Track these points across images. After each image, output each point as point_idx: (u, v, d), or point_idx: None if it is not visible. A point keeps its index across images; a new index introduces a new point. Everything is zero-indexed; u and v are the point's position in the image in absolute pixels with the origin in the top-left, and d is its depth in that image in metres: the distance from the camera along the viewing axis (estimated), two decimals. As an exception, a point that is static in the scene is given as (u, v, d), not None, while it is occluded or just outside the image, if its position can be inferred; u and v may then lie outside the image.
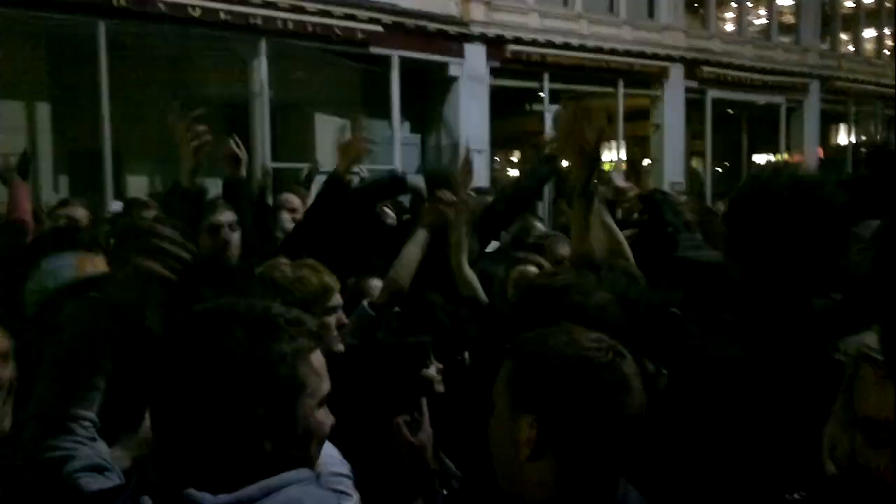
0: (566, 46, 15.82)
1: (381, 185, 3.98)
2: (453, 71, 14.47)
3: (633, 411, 1.32)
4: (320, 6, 12.32)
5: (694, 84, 18.27)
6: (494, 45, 14.87)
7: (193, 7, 11.05)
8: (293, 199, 4.95)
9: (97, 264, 2.22)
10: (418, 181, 3.75)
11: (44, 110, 11.20)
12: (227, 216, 3.32)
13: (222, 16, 11.33)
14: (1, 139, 10.40)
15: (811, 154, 20.94)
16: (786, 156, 20.84)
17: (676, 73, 17.90)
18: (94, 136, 10.73)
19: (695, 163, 20.27)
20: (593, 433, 1.30)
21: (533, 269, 3.23)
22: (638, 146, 18.61)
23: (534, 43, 15.39)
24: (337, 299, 2.42)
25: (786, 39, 20.88)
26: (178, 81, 12.16)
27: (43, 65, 11.20)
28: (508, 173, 22.01)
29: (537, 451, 1.31)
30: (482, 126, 14.78)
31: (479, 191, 5.00)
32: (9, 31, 10.45)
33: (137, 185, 11.96)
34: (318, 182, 5.64)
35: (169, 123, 2.98)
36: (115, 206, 8.53)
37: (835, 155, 22.51)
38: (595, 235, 2.50)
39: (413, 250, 3.06)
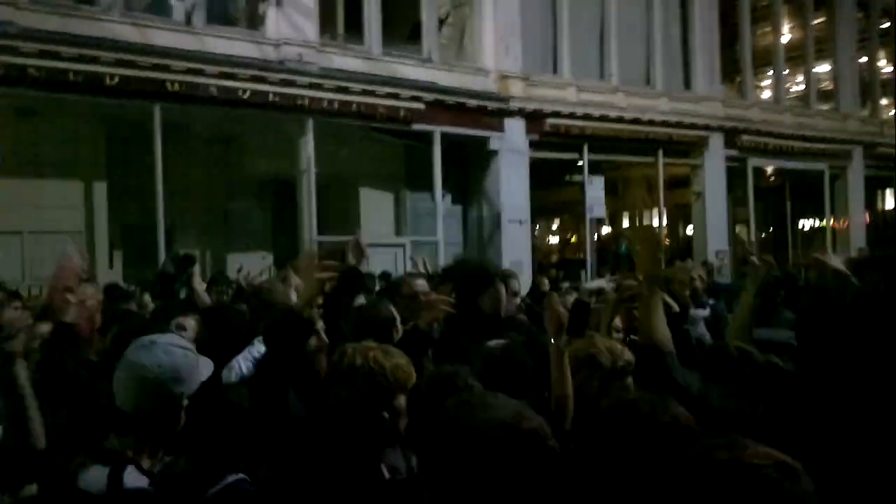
0: (604, 118, 16.06)
1: None
2: (493, 145, 14.77)
3: None
4: (364, 86, 12.77)
5: (734, 152, 18.32)
6: (533, 119, 15.17)
7: (244, 90, 11.56)
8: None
9: None
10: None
11: (100, 188, 11.72)
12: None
13: (271, 97, 11.83)
14: (60, 216, 10.94)
15: (857, 220, 20.70)
16: (832, 222, 20.64)
17: (716, 141, 17.99)
18: (147, 212, 11.16)
19: (739, 230, 20.15)
20: None
21: None
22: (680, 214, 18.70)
23: (572, 116, 15.65)
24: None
25: (825, 107, 20.91)
26: (229, 160, 12.68)
27: (101, 145, 11.77)
28: (548, 241, 22.15)
29: None
30: (522, 197, 14.98)
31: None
32: (70, 114, 11.09)
33: (187, 259, 12.36)
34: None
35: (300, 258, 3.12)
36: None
37: (881, 220, 22.20)
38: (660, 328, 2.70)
39: None
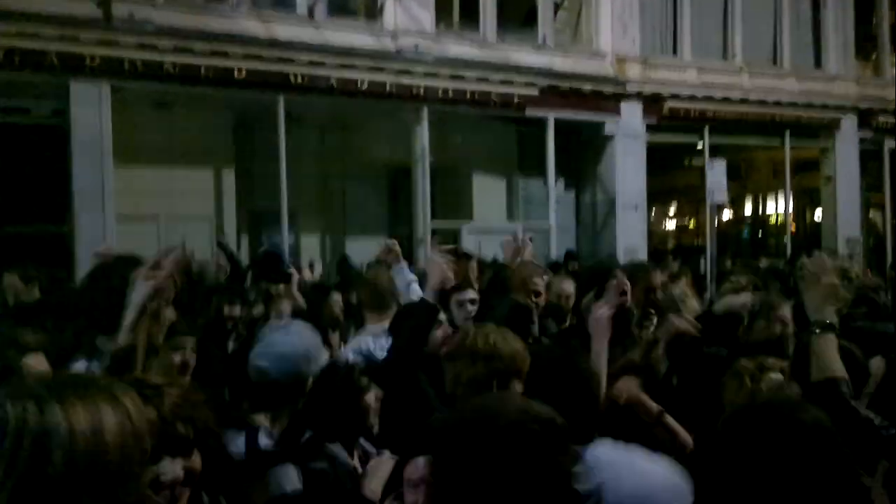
0: (726, 101, 15.52)
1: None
2: (609, 129, 14.58)
3: None
4: (479, 73, 12.87)
5: (869, 134, 17.32)
6: (651, 102, 14.85)
7: (362, 81, 11.91)
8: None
9: None
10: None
11: (229, 175, 12.37)
12: None
13: (388, 87, 12.13)
14: (192, 202, 11.66)
15: None
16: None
17: (849, 123, 17.06)
18: (272, 198, 11.71)
19: (873, 216, 19.07)
20: None
21: None
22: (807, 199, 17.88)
23: (692, 98, 15.21)
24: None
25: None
26: (347, 148, 13.10)
27: (230, 135, 12.42)
28: (665, 227, 21.65)
29: None
30: (638, 182, 14.73)
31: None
32: (201, 106, 11.74)
33: (309, 243, 12.90)
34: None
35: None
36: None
37: None
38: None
39: None
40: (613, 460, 1.82)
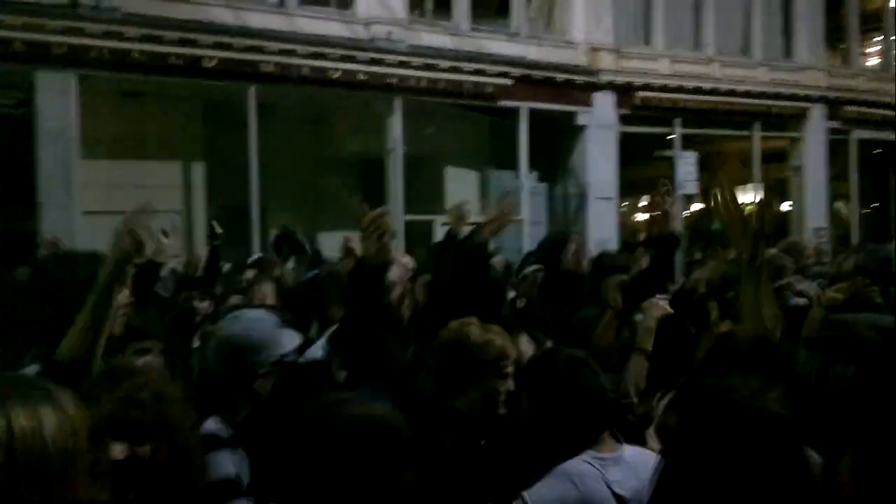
0: (698, 91, 15.60)
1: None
2: (581, 120, 14.58)
3: None
4: (451, 63, 12.78)
5: (837, 124, 17.52)
6: (623, 92, 14.88)
7: (334, 70, 11.75)
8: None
9: None
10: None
11: (198, 169, 12.19)
12: None
13: (360, 76, 11.99)
14: (161, 195, 11.46)
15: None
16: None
17: (817, 113, 17.24)
18: (242, 192, 11.55)
19: (839, 206, 19.34)
20: None
21: None
22: (775, 190, 18.03)
23: (664, 89, 15.26)
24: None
25: (938, 74, 19.68)
26: (319, 139, 12.95)
27: (199, 126, 12.20)
28: (636, 219, 21.77)
29: None
30: (610, 173, 14.78)
31: None
32: (170, 96, 11.52)
33: (281, 236, 12.73)
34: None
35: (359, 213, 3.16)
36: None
37: None
38: (767, 312, 2.55)
39: None
40: None
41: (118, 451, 1.69)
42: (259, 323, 2.68)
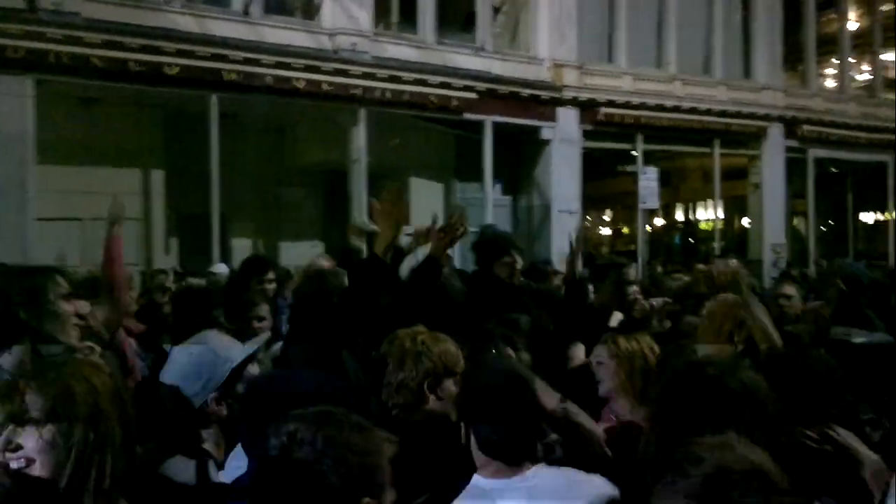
0: (660, 108, 15.82)
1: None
2: (545, 134, 14.69)
3: None
4: (416, 76, 12.79)
5: (794, 143, 17.88)
6: (587, 108, 15.02)
7: (298, 80, 11.68)
8: None
9: None
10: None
11: (158, 176, 12.00)
12: None
13: (324, 87, 11.93)
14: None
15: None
16: (894, 214, 20.01)
17: (775, 132, 17.58)
18: (203, 201, 11.39)
19: (797, 223, 19.71)
20: None
21: None
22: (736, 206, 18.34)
23: (627, 105, 15.45)
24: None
25: (891, 96, 20.19)
26: (282, 149, 12.84)
27: (159, 134, 12.04)
28: (599, 232, 21.99)
29: None
30: (574, 187, 14.88)
31: None
32: (130, 103, 11.36)
33: (241, 247, 12.57)
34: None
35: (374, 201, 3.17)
36: (220, 268, 9.01)
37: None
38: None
39: None
40: None
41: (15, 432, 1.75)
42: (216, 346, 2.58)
